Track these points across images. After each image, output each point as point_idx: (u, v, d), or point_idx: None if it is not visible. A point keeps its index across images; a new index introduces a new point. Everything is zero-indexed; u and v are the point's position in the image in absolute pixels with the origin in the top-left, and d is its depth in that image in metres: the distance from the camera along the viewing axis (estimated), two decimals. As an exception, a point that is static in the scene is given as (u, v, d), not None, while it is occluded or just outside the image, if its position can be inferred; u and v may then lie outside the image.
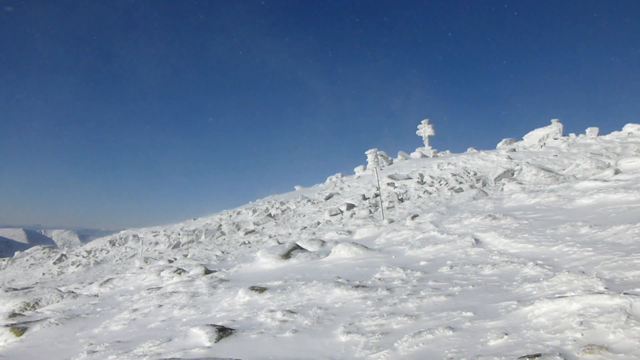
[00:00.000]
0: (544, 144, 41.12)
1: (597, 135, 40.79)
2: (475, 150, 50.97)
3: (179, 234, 38.05)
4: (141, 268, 18.01)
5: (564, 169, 24.92)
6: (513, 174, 25.90)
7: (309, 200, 36.69)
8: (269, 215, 35.30)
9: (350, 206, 28.39)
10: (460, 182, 27.69)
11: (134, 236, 43.80)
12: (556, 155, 32.08)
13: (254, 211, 39.13)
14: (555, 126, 44.99)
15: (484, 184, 25.57)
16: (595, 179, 13.82)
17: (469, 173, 31.43)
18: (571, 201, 11.54)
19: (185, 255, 24.15)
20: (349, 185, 40.60)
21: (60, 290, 10.94)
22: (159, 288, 10.17)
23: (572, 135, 43.11)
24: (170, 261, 19.27)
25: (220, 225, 37.26)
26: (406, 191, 29.21)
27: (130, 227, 55.88)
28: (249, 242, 25.56)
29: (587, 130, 42.17)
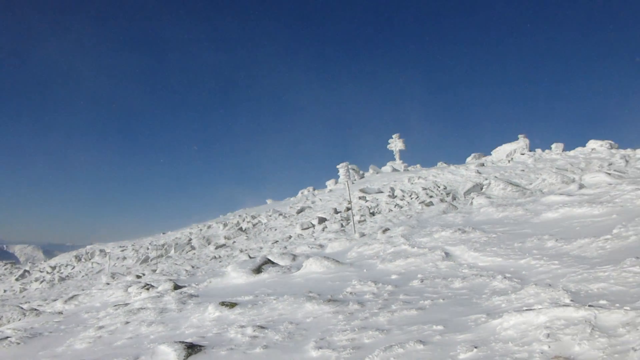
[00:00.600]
0: (512, 159, 42.06)
1: (562, 150, 41.99)
2: (445, 165, 51.77)
3: (148, 249, 37.29)
4: (108, 284, 17.56)
5: (530, 184, 25.53)
6: (482, 188, 26.40)
7: (281, 214, 36.53)
8: (240, 229, 34.98)
9: (322, 220, 28.39)
10: (431, 196, 28.06)
11: (101, 251, 42.72)
12: (523, 170, 32.82)
13: (225, 225, 38.70)
14: (522, 141, 46.15)
15: (454, 198, 25.97)
16: (561, 193, 14.20)
17: (439, 187, 31.89)
18: (538, 215, 11.81)
19: (154, 271, 23.66)
20: (320, 199, 40.65)
21: (22, 308, 10.54)
22: (126, 304, 9.92)
23: (539, 150, 44.26)
24: (138, 276, 18.84)
25: (190, 240, 36.71)
26: (377, 205, 29.41)
27: (97, 241, 54.48)
28: (220, 257, 25.24)
29: (553, 146, 43.36)
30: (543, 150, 43.95)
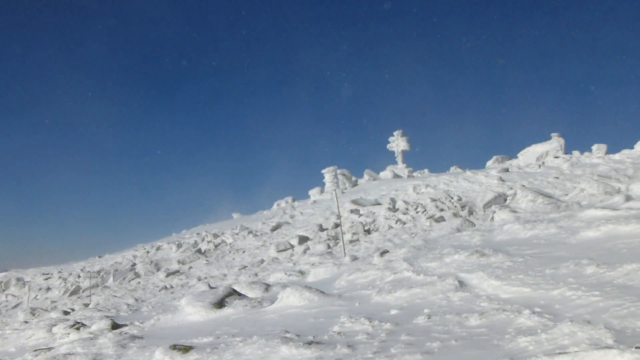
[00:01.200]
0: (543, 163, 42.59)
1: (605, 153, 42.57)
2: (459, 170, 52.15)
3: (79, 277, 36.84)
4: (26, 322, 17.28)
5: (566, 194, 25.83)
6: (505, 200, 26.63)
7: (251, 232, 36.41)
8: (199, 251, 34.75)
9: (303, 239, 28.36)
10: (442, 210, 28.23)
11: (18, 280, 42.07)
12: (557, 178, 33.21)
13: (179, 246, 38.43)
14: (556, 142, 46.77)
15: (470, 212, 26.16)
16: (603, 207, 14.38)
17: (452, 198, 32.10)
18: (575, 234, 11.94)
19: (87, 305, 23.34)
20: (301, 213, 40.65)
21: None
22: (50, 349, 9.76)
23: (576, 153, 44.84)
24: (66, 312, 18.57)
25: (134, 265, 36.36)
26: (374, 220, 29.49)
27: (13, 267, 53.63)
28: (172, 287, 25.02)
29: (594, 148, 43.90)
30: (582, 153, 44.57)
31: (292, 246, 27.68)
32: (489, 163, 52.96)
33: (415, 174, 57.44)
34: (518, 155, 49.48)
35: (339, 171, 53.33)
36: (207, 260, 31.49)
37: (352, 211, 33.52)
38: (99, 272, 36.83)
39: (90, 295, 29.47)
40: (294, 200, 53.11)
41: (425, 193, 36.33)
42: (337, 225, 30.28)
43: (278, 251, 27.24)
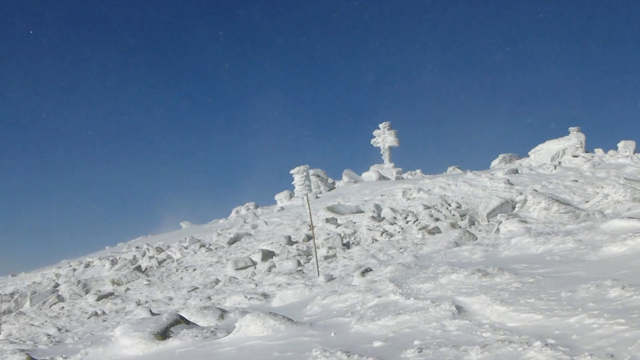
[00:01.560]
0: (559, 163, 43.16)
1: (634, 152, 43.25)
2: (459, 171, 52.52)
3: (-13, 300, 36.23)
4: None
5: (586, 201, 26.21)
6: (514, 207, 26.92)
7: (203, 245, 36.22)
8: (138, 268, 34.44)
9: (267, 255, 28.30)
10: (437, 219, 28.43)
11: None
12: (576, 181, 33.69)
13: (114, 262, 38.03)
14: (574, 138, 47.39)
15: (471, 222, 26.38)
16: (631, 217, 14.58)
17: (449, 205, 32.33)
18: (596, 249, 12.08)
19: (-3, 335, 22.93)
20: (266, 222, 40.57)
21: None
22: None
23: (599, 151, 45.46)
24: (-31, 345, 18.23)
25: (57, 286, 35.89)
26: (355, 232, 29.58)
27: None
28: (104, 313, 24.76)
29: (620, 145, 44.52)
30: (605, 152, 45.18)
31: (254, 263, 27.59)
32: (494, 163, 53.43)
33: (405, 175, 57.69)
34: (529, 153, 50.04)
35: (311, 171, 53.34)
36: (148, 281, 31.20)
37: (327, 220, 33.53)
38: (12, 294, 36.27)
39: (0, 324, 28.99)
40: (256, 207, 52.92)
41: (417, 199, 36.51)
42: (309, 238, 30.28)
43: (237, 269, 27.13)
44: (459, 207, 31.61)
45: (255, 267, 26.82)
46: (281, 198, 53.06)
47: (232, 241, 35.84)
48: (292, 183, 53.42)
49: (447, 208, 31.51)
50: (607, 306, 7.80)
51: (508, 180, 36.36)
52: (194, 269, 30.76)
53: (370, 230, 28.93)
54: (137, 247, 43.71)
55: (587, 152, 45.85)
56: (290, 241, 30.84)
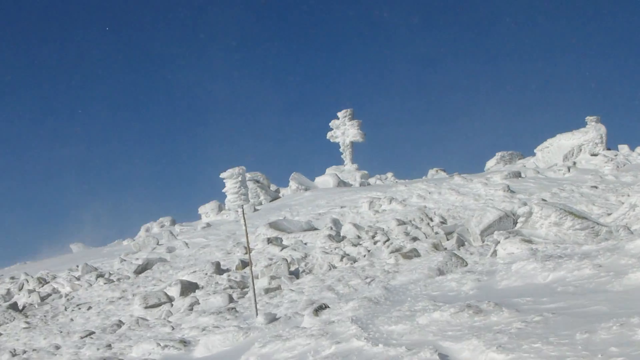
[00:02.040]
0: (574, 164, 43.76)
1: (668, 149, 44.05)
2: (443, 174, 52.88)
3: None
4: None
5: (608, 213, 26.53)
6: (515, 223, 27.11)
7: (101, 275, 35.73)
8: (13, 306, 33.82)
9: (188, 287, 28.02)
10: (414, 238, 28.47)
11: None
12: (595, 187, 34.14)
13: (-19, 299, 37.33)
14: (592, 131, 48.00)
15: (460, 242, 26.50)
16: (666, 234, 14.77)
17: (430, 220, 32.44)
18: (620, 276, 12.16)
19: None
20: (187, 243, 40.24)
21: None
22: None
23: (624, 148, 46.19)
24: None
25: None
26: (306, 256, 29.46)
27: None
28: (-34, 368, 24.26)
29: (650, 140, 45.30)
30: (632, 149, 45.92)
31: (170, 299, 27.28)
32: (490, 164, 53.93)
33: (372, 180, 57.71)
34: (535, 151, 50.59)
35: (248, 175, 52.84)
36: (27, 323, 30.68)
37: (270, 241, 33.34)
38: None
39: None
40: (174, 223, 52.50)
41: (388, 211, 36.55)
42: (244, 265, 30.08)
43: (147, 307, 26.79)
44: (443, 222, 31.73)
45: (172, 305, 26.50)
46: (207, 211, 52.62)
47: (141, 269, 35.39)
48: (223, 191, 52.34)
49: (428, 224, 31.61)
50: (634, 351, 7.84)
51: (508, 186, 36.67)
52: (89, 307, 30.30)
53: (327, 253, 28.85)
54: (12, 278, 42.93)
55: (609, 149, 46.51)
56: (219, 269, 30.58)
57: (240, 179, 26.13)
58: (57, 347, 23.62)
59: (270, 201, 51.56)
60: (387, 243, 28.57)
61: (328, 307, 16.38)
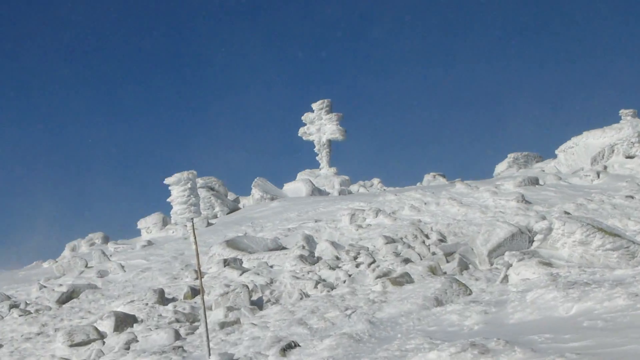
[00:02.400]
0: (604, 168, 43.86)
1: None
2: (442, 181, 52.96)
3: None
4: None
5: (647, 230, 26.55)
6: (532, 241, 27.10)
7: (15, 305, 35.44)
8: None
9: (125, 321, 27.83)
10: (406, 260, 28.41)
11: None
12: (631, 197, 34.20)
13: None
14: (628, 127, 48.10)
15: (463, 266, 26.46)
16: None
17: (426, 237, 32.39)
18: (665, 309, 12.13)
19: None
20: (123, 266, 40.05)
21: None
22: None
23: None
24: None
25: None
26: (272, 281, 29.35)
27: None
28: None
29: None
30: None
31: (102, 335, 27.08)
32: (501, 168, 54.08)
33: (355, 187, 57.72)
34: (557, 152, 50.70)
35: (200, 181, 52.54)
36: None
37: (227, 263, 33.18)
38: None
39: None
40: (107, 241, 52.26)
41: (374, 227, 36.48)
42: (195, 292, 29.94)
43: (72, 345, 26.58)
44: (442, 240, 31.72)
45: (104, 343, 26.32)
46: (149, 226, 52.42)
47: (65, 298, 35.18)
48: (168, 200, 52.08)
49: (424, 242, 31.58)
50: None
51: (522, 196, 36.71)
52: (0, 346, 30.13)
53: (298, 278, 28.76)
54: None
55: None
56: (163, 298, 30.41)
57: (189, 185, 25.90)
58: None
59: (227, 213, 51.43)
60: (372, 266, 28.52)
61: (298, 345, 16.29)
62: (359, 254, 30.99)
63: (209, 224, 47.60)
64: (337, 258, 31.03)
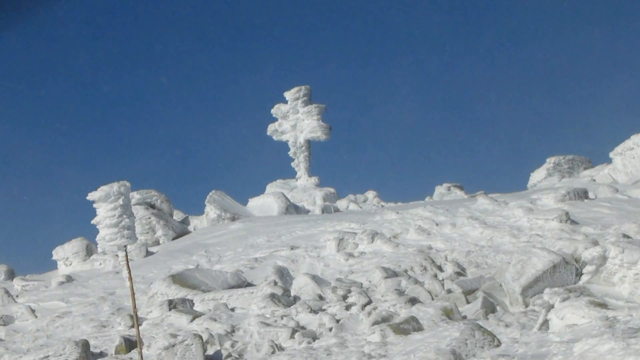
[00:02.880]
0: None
1: None
2: (459, 194, 52.99)
3: None
4: None
5: None
6: (579, 274, 27.03)
7: None
8: None
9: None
10: (413, 300, 28.29)
11: None
12: None
13: None
14: None
15: (489, 307, 26.37)
16: None
17: (440, 269, 32.31)
18: None
19: None
20: (33, 310, 39.87)
21: None
22: None
23: None
24: None
25: None
26: (233, 330, 29.20)
27: None
28: None
29: None
30: None
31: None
32: (538, 177, 54.13)
33: (343, 203, 57.59)
34: (611, 155, 50.67)
35: (137, 196, 52.27)
36: None
37: (173, 305, 32.98)
38: None
39: None
40: (12, 276, 52.01)
41: (369, 255, 36.36)
42: (130, 345, 29.81)
43: None
44: (460, 273, 31.65)
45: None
46: (68, 256, 52.07)
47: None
48: (93, 222, 51.70)
49: (436, 276, 31.49)
50: None
51: (567, 213, 36.61)
52: None
53: (268, 325, 28.62)
54: None
55: None
56: (87, 353, 30.25)
57: (121, 202, 25.90)
58: None
59: (173, 238, 51.13)
60: (367, 308, 28.37)
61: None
62: (349, 292, 30.78)
63: (148, 253, 47.31)
64: (321, 297, 30.84)
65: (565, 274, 26.81)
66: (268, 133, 60.39)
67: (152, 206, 51.99)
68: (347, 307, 29.07)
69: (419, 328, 25.19)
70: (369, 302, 28.90)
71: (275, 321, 28.93)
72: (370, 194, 57.71)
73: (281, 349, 26.35)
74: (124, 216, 29.55)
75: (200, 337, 28.10)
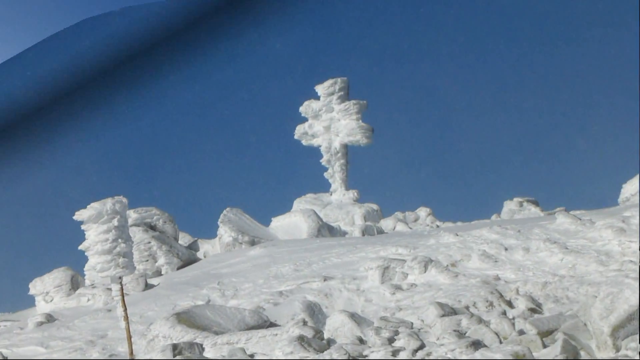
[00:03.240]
0: None
1: None
2: (534, 210, 52.95)
3: None
4: None
5: None
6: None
7: None
8: None
9: None
10: (476, 343, 28.12)
11: None
12: None
13: None
14: None
15: (571, 350, 26.23)
16: None
17: (510, 304, 32.18)
18: None
19: None
20: (6, 357, 39.98)
21: None
22: None
23: None
24: None
25: None
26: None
27: None
28: None
29: None
30: None
31: None
32: (630, 189, 54.01)
33: (389, 222, 57.43)
34: None
35: (134, 215, 52.23)
36: None
37: (178, 350, 32.88)
38: None
39: None
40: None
41: (421, 287, 36.25)
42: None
43: None
44: (535, 310, 31.51)
45: None
46: (48, 290, 52.12)
47: None
48: (81, 248, 51.33)
49: (505, 313, 31.36)
50: None
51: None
52: None
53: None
54: None
55: None
56: None
57: (116, 222, 25.58)
58: None
59: (179, 267, 51.02)
60: (419, 353, 28.26)
61: None
62: (396, 333, 30.64)
63: (148, 286, 47.26)
64: (361, 341, 30.70)
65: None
66: (296, 136, 60.18)
67: (153, 228, 51.80)
68: (394, 353, 28.89)
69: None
70: (422, 347, 28.74)
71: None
72: (423, 212, 57.53)
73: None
74: (119, 240, 29.27)
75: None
